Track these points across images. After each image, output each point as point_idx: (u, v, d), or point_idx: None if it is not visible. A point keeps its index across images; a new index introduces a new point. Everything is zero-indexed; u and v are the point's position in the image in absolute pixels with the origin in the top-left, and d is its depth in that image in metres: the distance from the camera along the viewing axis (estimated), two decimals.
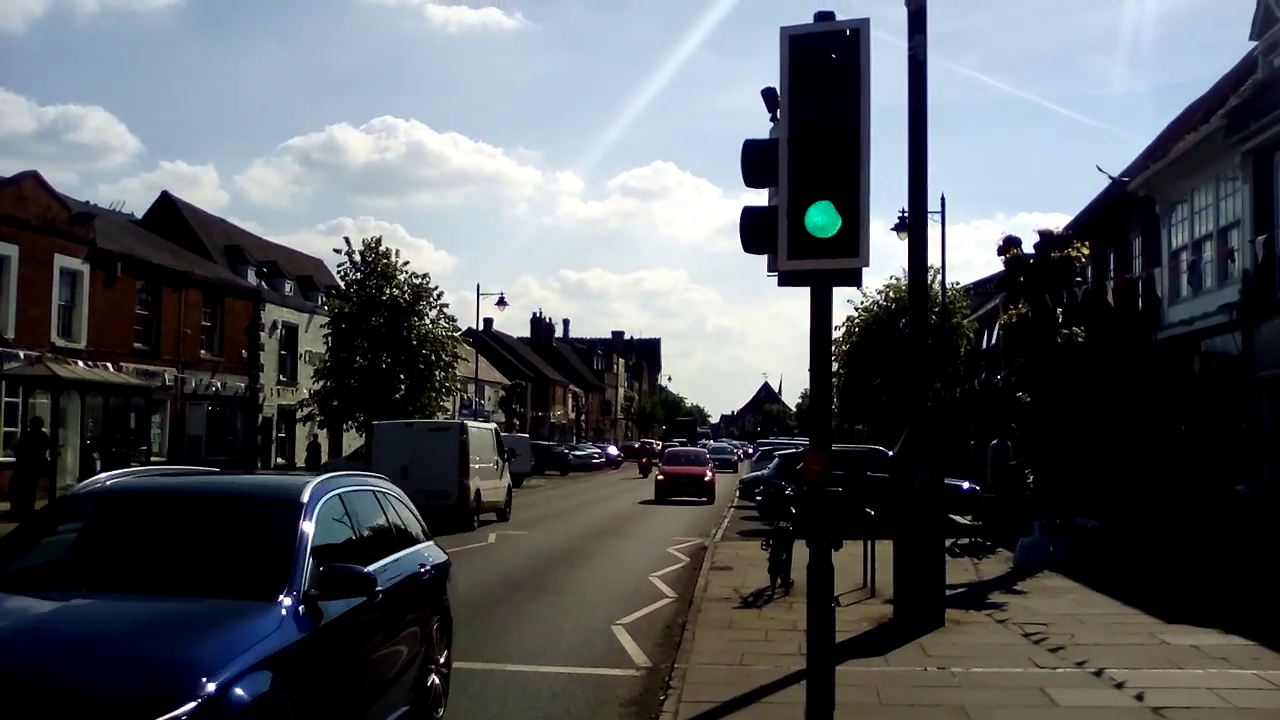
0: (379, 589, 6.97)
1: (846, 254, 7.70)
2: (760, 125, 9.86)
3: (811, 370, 8.31)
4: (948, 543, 16.79)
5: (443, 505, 25.81)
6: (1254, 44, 25.25)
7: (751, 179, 8.21)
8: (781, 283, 8.24)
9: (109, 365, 34.92)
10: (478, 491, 28.28)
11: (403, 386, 45.51)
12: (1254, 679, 10.17)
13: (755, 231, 8.12)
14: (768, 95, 8.45)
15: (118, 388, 31.06)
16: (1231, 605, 14.15)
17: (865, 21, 7.66)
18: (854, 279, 8.21)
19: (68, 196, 37.86)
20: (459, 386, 55.92)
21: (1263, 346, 20.77)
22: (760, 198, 8.59)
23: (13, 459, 28.67)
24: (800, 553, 10.76)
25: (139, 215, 49.97)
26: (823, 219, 7.60)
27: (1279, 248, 20.26)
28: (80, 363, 33.37)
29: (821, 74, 7.67)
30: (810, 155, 7.64)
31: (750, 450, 78.93)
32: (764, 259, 8.36)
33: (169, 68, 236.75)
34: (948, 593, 13.63)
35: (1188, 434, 24.90)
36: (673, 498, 39.92)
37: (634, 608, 14.94)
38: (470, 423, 33.71)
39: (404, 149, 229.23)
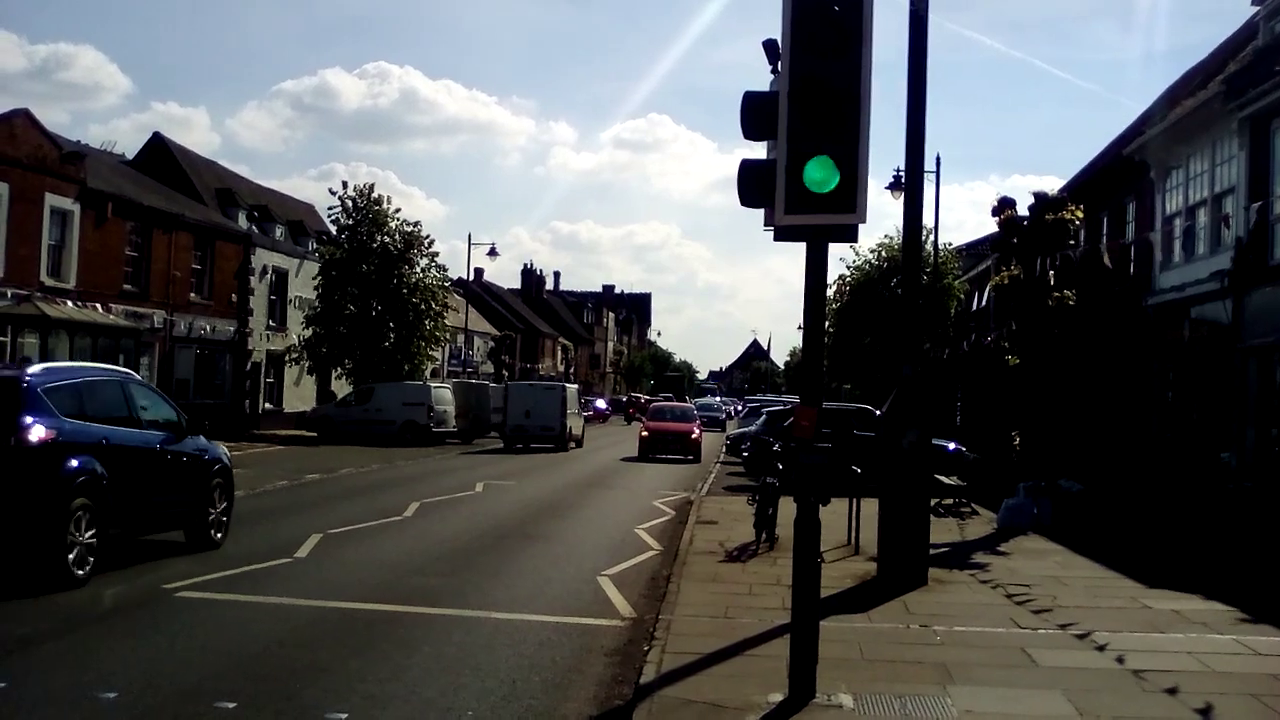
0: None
1: (844, 210, 7.67)
2: (759, 79, 9.82)
3: (804, 327, 8.27)
4: (932, 502, 16.89)
5: (551, 434, 41.60)
6: (1255, 9, 25.14)
7: (750, 131, 8.16)
8: (778, 237, 8.21)
9: (98, 306, 34.79)
10: (569, 427, 43.13)
11: (392, 335, 45.52)
12: (1233, 644, 10.25)
13: (753, 184, 8.07)
14: (769, 47, 8.39)
15: (106, 329, 30.98)
16: (1213, 571, 14.25)
17: None
18: (851, 235, 8.18)
19: (59, 135, 37.56)
20: (448, 336, 55.91)
21: (1253, 314, 20.79)
22: (758, 151, 8.55)
23: None
24: (785, 508, 10.82)
25: (130, 156, 49.59)
26: (821, 174, 7.56)
27: (1273, 215, 20.25)
28: (69, 303, 33.25)
29: (823, 26, 7.60)
30: (810, 109, 7.59)
31: (739, 407, 78.92)
32: (758, 215, 8.33)
33: (161, 7, 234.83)
34: (931, 552, 13.70)
35: (1175, 401, 24.97)
36: (657, 455, 37.84)
37: (619, 559, 15.01)
38: (567, 384, 48.70)
39: (397, 95, 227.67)
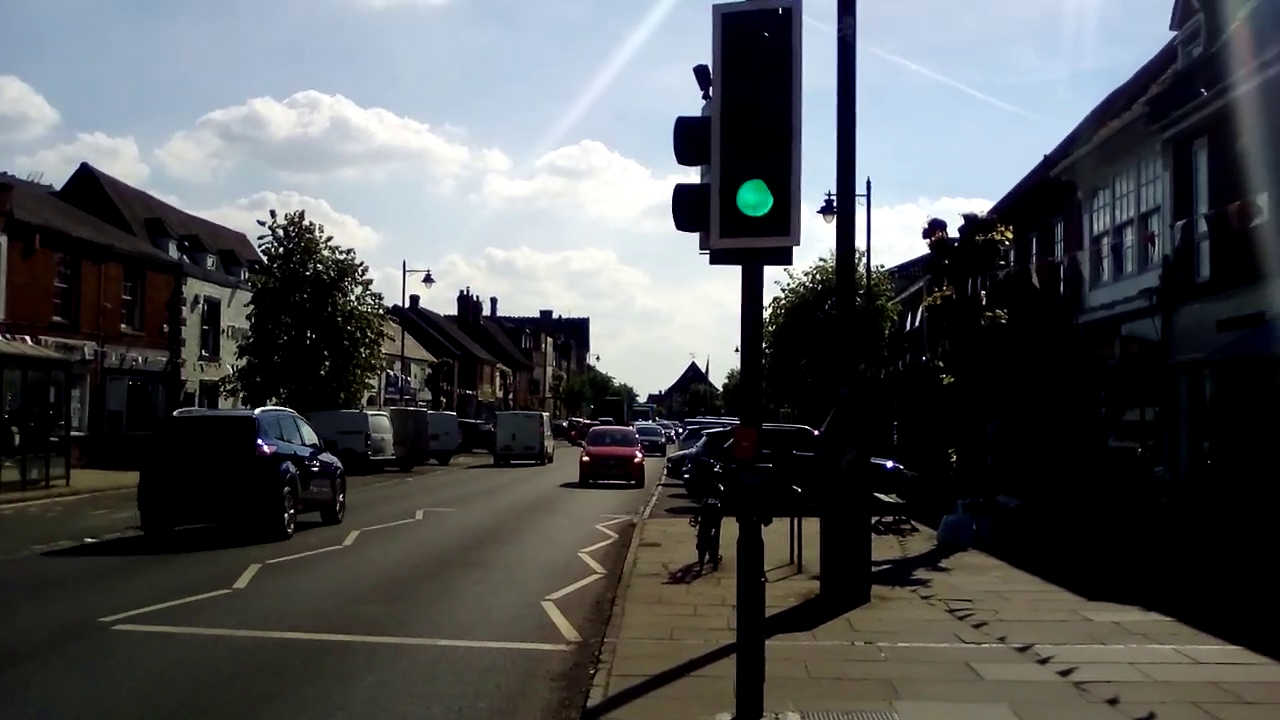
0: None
1: (778, 233, 7.72)
2: (691, 105, 9.85)
3: (742, 348, 8.33)
4: (873, 520, 17.01)
5: (532, 453, 51.69)
6: (1174, 34, 25.73)
7: (684, 156, 8.21)
8: (713, 261, 8.27)
9: (27, 338, 34.22)
10: (546, 447, 53.35)
11: (327, 363, 45.14)
12: (1173, 653, 10.41)
13: (687, 209, 8.12)
14: (700, 72, 8.47)
15: (36, 361, 30.45)
16: (1151, 583, 14.45)
17: (798, 1, 7.69)
18: (785, 258, 8.24)
19: None
20: (385, 364, 55.57)
21: (1182, 331, 21.19)
22: (692, 176, 8.61)
23: None
24: (728, 529, 10.86)
25: (58, 187, 48.92)
26: (754, 197, 7.62)
27: (1198, 234, 20.66)
28: None
29: (754, 52, 7.67)
30: (742, 133, 7.66)
31: (679, 430, 78.98)
32: (693, 240, 8.37)
33: (88, 39, 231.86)
34: (873, 569, 13.78)
35: (1108, 416, 25.35)
36: (598, 481, 37.17)
37: (563, 583, 14.96)
38: (542, 413, 60.47)
39: (328, 124, 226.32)
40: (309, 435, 22.52)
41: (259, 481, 19.18)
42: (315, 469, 21.53)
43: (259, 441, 19.52)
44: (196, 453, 19.49)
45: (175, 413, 23.02)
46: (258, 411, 22.25)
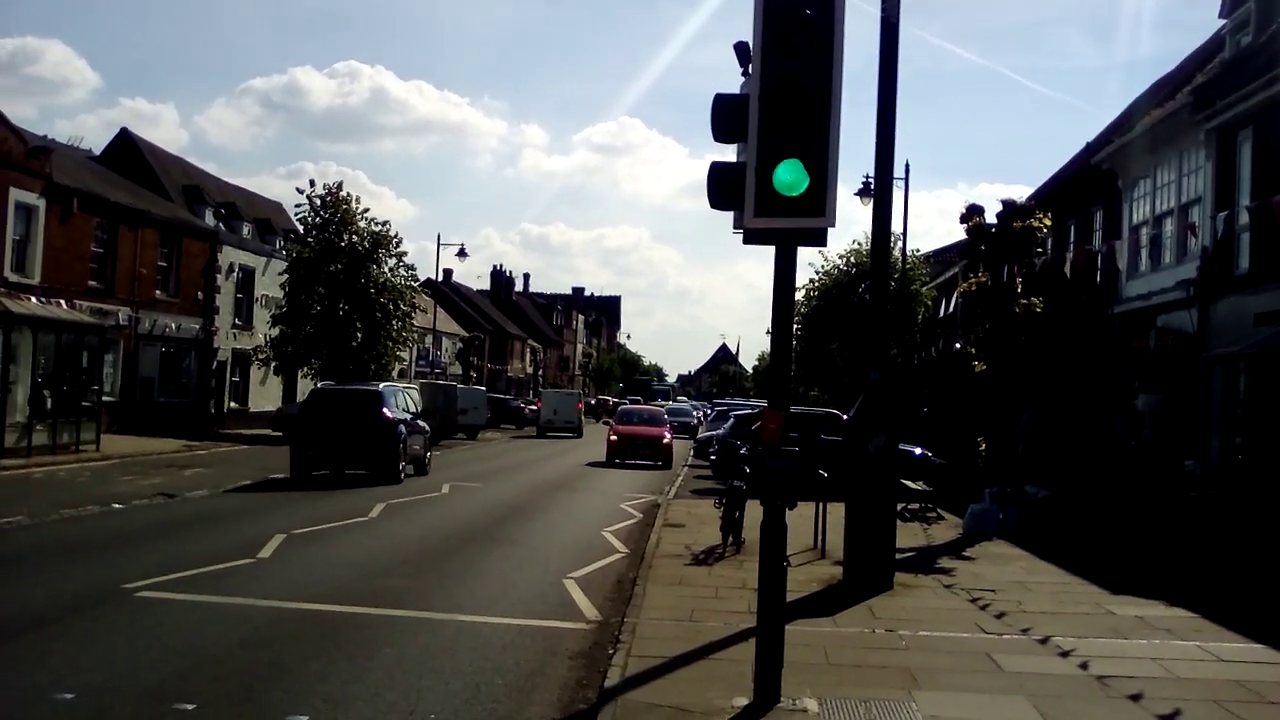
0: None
1: (813, 213, 7.64)
2: (731, 83, 9.77)
3: (773, 329, 8.25)
4: (899, 507, 16.90)
5: (571, 427, 59.39)
6: (1223, 22, 25.37)
7: (721, 134, 8.13)
8: (746, 240, 8.17)
9: (63, 303, 34.42)
10: (581, 423, 61.96)
11: (359, 334, 45.24)
12: (1196, 650, 10.30)
13: (722, 187, 8.04)
14: (740, 49, 8.36)
15: (71, 325, 30.61)
16: (1177, 578, 14.32)
17: None
18: (819, 239, 8.15)
19: (25, 130, 37.17)
20: (416, 337, 55.71)
21: (1218, 324, 20.95)
22: (729, 155, 8.52)
23: None
24: (752, 512, 10.79)
25: (97, 152, 49.17)
26: (791, 176, 7.53)
27: (1239, 226, 20.39)
28: (33, 299, 32.88)
29: (795, 30, 7.58)
30: (781, 112, 7.57)
31: (708, 411, 78.80)
32: (728, 219, 8.30)
33: (131, 3, 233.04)
34: (897, 557, 13.70)
35: (1140, 408, 25.12)
36: (626, 461, 36.49)
37: (585, 562, 14.95)
38: (580, 392, 77.20)
39: (368, 94, 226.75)
40: (412, 404, 29.69)
41: (383, 439, 25.09)
42: (415, 431, 27.38)
43: (384, 409, 25.42)
44: (336, 416, 25.21)
45: (318, 385, 31.21)
46: (382, 386, 28.15)
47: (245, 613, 10.82)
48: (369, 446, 25.01)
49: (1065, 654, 9.96)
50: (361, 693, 8.14)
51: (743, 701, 7.90)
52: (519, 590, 12.75)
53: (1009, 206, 20.57)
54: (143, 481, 23.21)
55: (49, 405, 28.18)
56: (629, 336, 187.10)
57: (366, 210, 46.72)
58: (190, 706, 7.58)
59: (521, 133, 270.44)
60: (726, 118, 8.03)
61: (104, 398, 34.07)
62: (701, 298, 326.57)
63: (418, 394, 36.06)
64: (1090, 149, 29.39)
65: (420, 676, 8.70)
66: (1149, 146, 24.40)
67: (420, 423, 28.48)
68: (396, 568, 13.89)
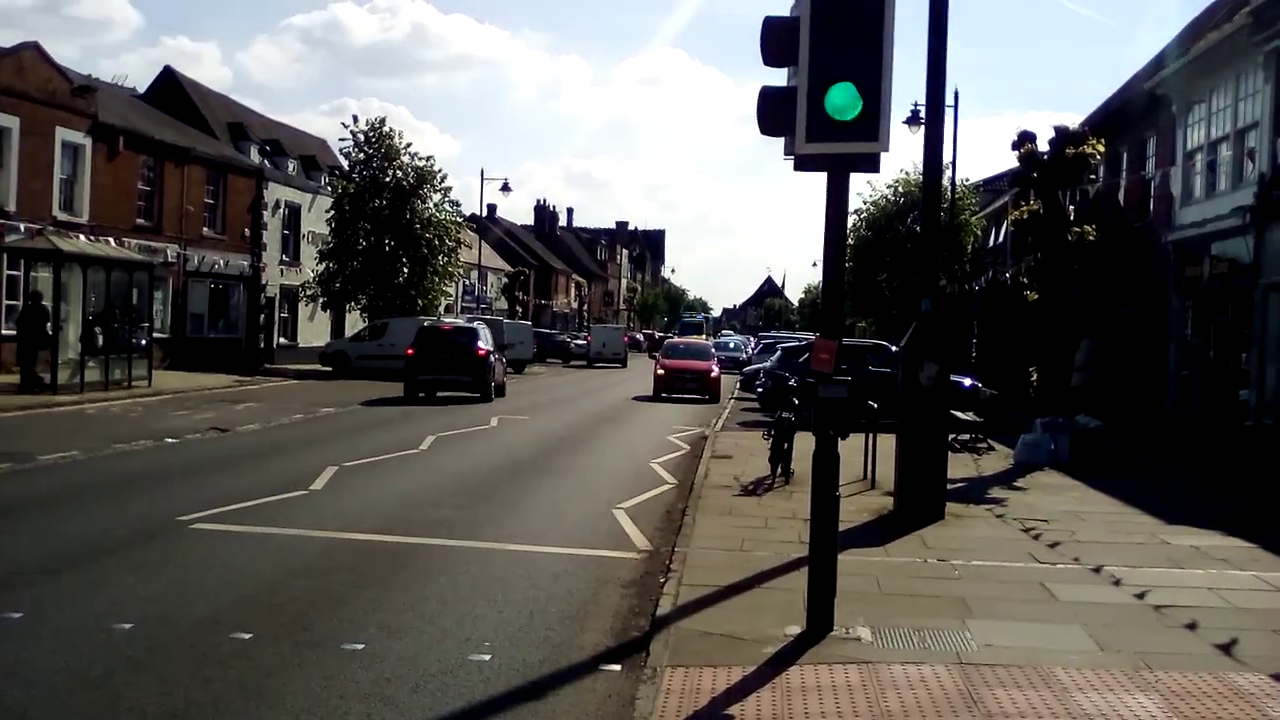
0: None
1: (866, 138, 7.51)
2: (778, 5, 9.59)
3: (825, 257, 8.14)
4: (949, 438, 16.80)
5: (618, 358, 64.55)
6: None
7: (770, 58, 7.96)
8: (797, 167, 8.04)
9: (111, 240, 34.64)
10: (626, 354, 67.91)
11: (405, 270, 45.39)
12: (1253, 580, 10.21)
13: (773, 112, 7.90)
14: None
15: (120, 262, 30.77)
16: (1232, 509, 14.19)
17: None
18: (873, 164, 8.03)
19: (69, 69, 37.28)
20: (461, 272, 55.81)
21: (1274, 251, 20.55)
22: (777, 81, 8.37)
23: (14, 332, 28.66)
24: (801, 444, 10.74)
25: (141, 91, 49.24)
26: (843, 100, 7.40)
27: None
28: (82, 237, 33.08)
29: None
30: (833, 34, 7.42)
31: (753, 345, 78.57)
32: (774, 151, 8.24)
33: None
34: (948, 487, 13.63)
35: (1194, 337, 24.79)
36: (673, 394, 36.55)
37: (635, 493, 14.98)
38: (623, 327, 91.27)
39: (408, 29, 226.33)
40: (497, 337, 37.51)
41: (479, 367, 31.20)
42: (498, 361, 33.96)
43: (479, 343, 31.65)
44: (441, 347, 31.29)
45: (425, 322, 35.41)
46: (477, 324, 35.21)
47: (299, 544, 10.92)
48: (469, 372, 31.06)
49: (1119, 583, 9.90)
50: (415, 622, 8.19)
51: (795, 630, 7.90)
52: (569, 520, 12.81)
53: (1061, 133, 20.30)
54: (195, 416, 23.44)
55: (100, 342, 28.40)
56: (674, 270, 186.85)
57: (410, 145, 46.73)
58: (247, 636, 7.65)
59: (564, 65, 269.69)
60: (776, 41, 7.87)
61: (154, 334, 34.36)
62: (746, 231, 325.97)
63: (493, 331, 39.83)
64: (1143, 75, 28.82)
65: (474, 605, 8.75)
66: (1205, 70, 23.86)
67: (500, 355, 35.06)
68: (447, 499, 13.97)
